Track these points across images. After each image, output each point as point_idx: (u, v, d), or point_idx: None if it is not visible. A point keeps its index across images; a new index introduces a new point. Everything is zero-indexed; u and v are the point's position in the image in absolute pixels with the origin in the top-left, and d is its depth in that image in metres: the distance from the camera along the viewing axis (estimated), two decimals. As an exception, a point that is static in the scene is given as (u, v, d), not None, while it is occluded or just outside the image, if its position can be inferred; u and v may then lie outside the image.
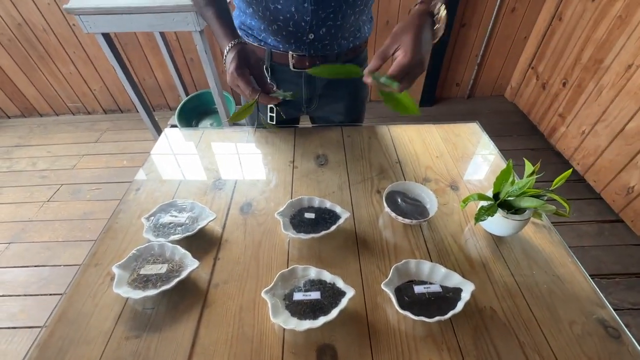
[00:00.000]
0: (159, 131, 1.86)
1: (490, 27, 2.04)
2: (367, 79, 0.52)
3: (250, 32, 0.75)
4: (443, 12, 0.53)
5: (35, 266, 1.49)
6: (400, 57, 0.50)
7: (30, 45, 2.05)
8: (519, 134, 2.06)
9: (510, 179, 0.56)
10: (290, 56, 0.74)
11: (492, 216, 0.55)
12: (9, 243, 1.59)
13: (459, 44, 2.12)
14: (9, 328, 1.28)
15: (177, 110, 1.94)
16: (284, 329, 0.49)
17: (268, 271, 0.57)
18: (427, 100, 2.33)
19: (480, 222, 0.57)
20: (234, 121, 0.64)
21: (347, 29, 0.72)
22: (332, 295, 0.50)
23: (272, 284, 0.51)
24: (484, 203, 0.58)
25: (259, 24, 0.72)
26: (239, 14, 0.76)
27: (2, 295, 1.38)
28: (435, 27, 0.54)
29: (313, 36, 0.69)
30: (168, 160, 0.82)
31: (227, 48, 0.62)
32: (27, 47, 2.06)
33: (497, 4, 1.94)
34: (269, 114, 0.86)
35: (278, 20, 0.68)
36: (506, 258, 0.58)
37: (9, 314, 1.32)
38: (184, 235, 0.59)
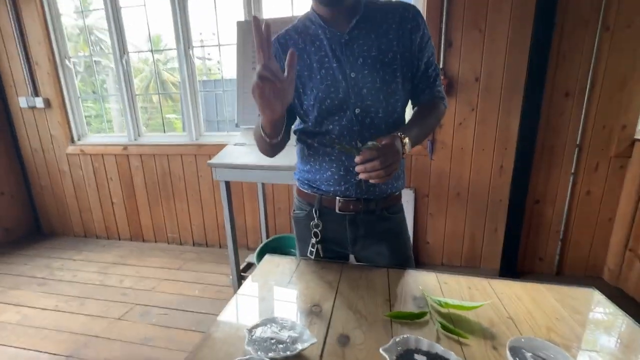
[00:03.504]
0: (238, 268, 1.98)
1: (566, 207, 2.07)
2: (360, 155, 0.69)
3: (307, 182, 0.92)
4: (408, 143, 0.74)
5: (78, 390, 1.39)
6: (385, 140, 0.69)
7: (164, 187, 2.66)
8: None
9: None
10: (337, 200, 0.87)
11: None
12: (68, 357, 1.57)
13: (535, 218, 2.14)
14: None
15: (257, 249, 2.11)
16: None
17: (374, 421, 0.47)
18: (507, 272, 2.17)
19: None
20: (391, 316, 0.69)
21: None
22: None
23: None
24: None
25: (314, 176, 0.90)
26: (300, 171, 0.95)
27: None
28: (403, 147, 0.72)
29: (359, 178, 0.77)
30: (268, 281, 0.86)
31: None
32: (161, 189, 2.67)
33: (570, 186, 2.04)
34: (310, 249, 0.94)
35: (332, 167, 0.86)
36: None
37: None
38: (285, 354, 0.56)
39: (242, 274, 2.04)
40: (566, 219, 2.09)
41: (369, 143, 0.69)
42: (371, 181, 0.69)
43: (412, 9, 0.81)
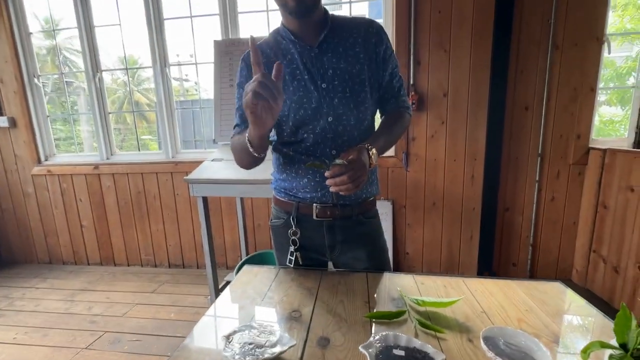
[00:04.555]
0: (216, 287, 1.92)
1: (534, 213, 2.18)
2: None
3: (283, 190, 0.94)
4: (375, 153, 0.78)
5: None
6: (352, 155, 0.73)
7: (139, 207, 2.57)
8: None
9: (634, 325, 0.50)
10: (314, 207, 0.89)
11: (629, 368, 0.46)
12: (27, 394, 1.43)
13: (506, 226, 2.23)
14: None
15: (237, 266, 2.05)
16: None
17: (355, 417, 0.47)
18: (484, 278, 2.23)
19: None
20: (370, 317, 0.70)
21: None
22: None
23: None
24: (611, 352, 0.49)
25: (291, 184, 0.91)
26: (276, 180, 0.97)
27: None
28: (370, 157, 0.77)
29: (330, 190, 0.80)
30: (246, 291, 0.85)
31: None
32: (135, 209, 2.57)
33: (535, 193, 2.16)
34: (288, 257, 0.94)
35: (308, 174, 0.88)
36: None
37: None
38: (263, 358, 0.55)
39: (220, 293, 1.97)
40: (535, 225, 2.20)
41: (337, 160, 0.73)
42: (341, 193, 0.73)
43: (376, 24, 0.87)
